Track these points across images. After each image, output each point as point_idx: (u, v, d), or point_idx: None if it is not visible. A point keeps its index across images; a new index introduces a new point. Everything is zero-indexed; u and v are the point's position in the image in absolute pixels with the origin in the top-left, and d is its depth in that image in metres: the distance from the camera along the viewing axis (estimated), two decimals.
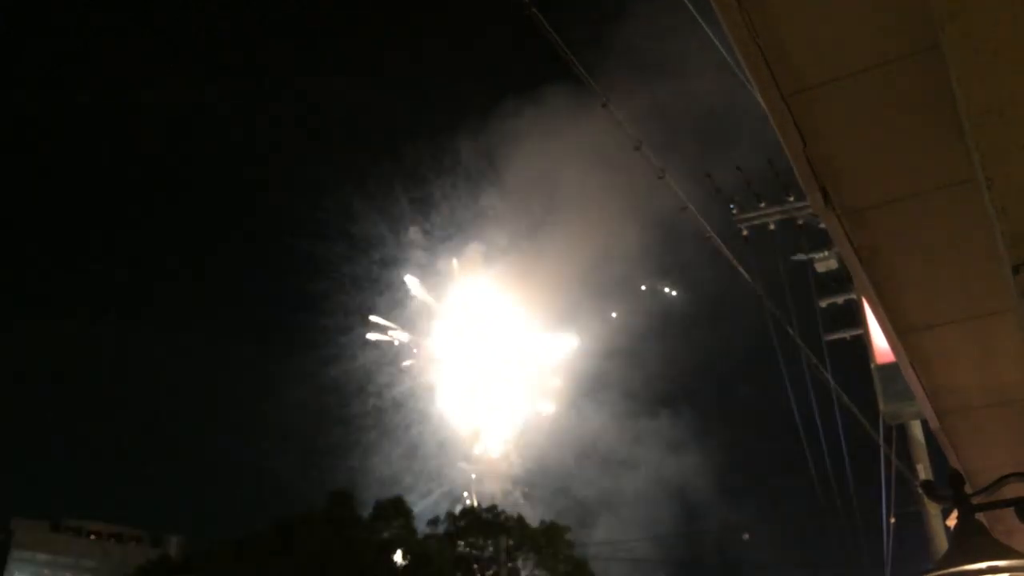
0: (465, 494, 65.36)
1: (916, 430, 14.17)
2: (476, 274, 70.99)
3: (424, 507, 55.80)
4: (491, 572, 34.07)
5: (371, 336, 69.25)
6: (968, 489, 3.87)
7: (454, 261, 71.34)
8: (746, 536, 38.55)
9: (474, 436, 69.87)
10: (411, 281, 70.68)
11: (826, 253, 16.69)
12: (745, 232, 16.84)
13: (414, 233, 72.07)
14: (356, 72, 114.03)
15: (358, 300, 71.08)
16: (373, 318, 69.27)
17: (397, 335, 69.91)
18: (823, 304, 16.76)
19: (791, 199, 16.64)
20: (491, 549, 34.61)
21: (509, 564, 33.67)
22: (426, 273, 71.67)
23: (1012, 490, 3.88)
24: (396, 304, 71.06)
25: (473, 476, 68.26)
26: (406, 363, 70.06)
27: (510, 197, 71.37)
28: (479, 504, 39.77)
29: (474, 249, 71.17)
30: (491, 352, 70.48)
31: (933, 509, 13.08)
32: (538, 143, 69.43)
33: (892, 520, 15.00)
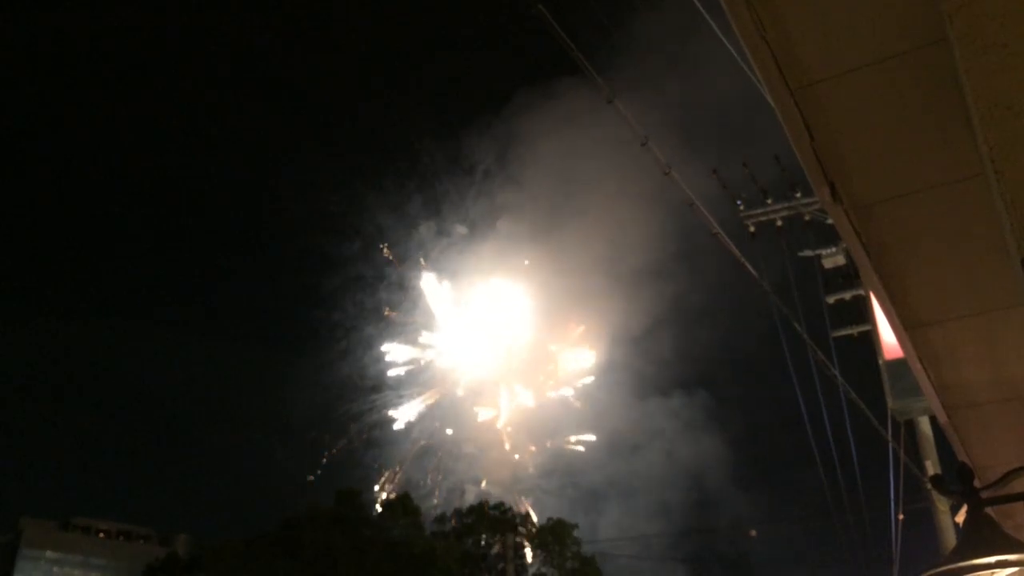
0: (468, 486, 65.43)
1: (925, 426, 14.15)
2: (491, 269, 70.72)
3: (433, 503, 55.94)
4: (499, 568, 34.09)
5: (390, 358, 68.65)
6: (977, 484, 3.87)
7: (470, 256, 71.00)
8: (753, 533, 38.50)
9: (489, 426, 69.84)
10: (427, 279, 70.32)
11: (833, 249, 16.67)
12: (752, 228, 16.81)
13: (426, 230, 71.85)
14: (368, 70, 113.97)
15: (370, 298, 71.03)
16: (385, 347, 68.86)
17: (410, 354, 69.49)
18: (831, 300, 16.74)
19: (798, 195, 16.62)
20: (498, 546, 34.65)
21: (516, 561, 33.69)
22: (438, 268, 71.48)
23: (1021, 484, 3.88)
24: (410, 302, 70.95)
25: (482, 472, 68.31)
26: (423, 355, 69.78)
27: (524, 192, 71.15)
28: (487, 499, 39.73)
29: (488, 244, 70.81)
30: (506, 346, 70.29)
31: (942, 505, 13.06)
32: (552, 137, 69.27)
33: (901, 516, 14.96)
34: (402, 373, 68.81)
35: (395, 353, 68.70)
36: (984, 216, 3.52)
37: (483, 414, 69.64)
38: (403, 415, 67.94)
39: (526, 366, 70.27)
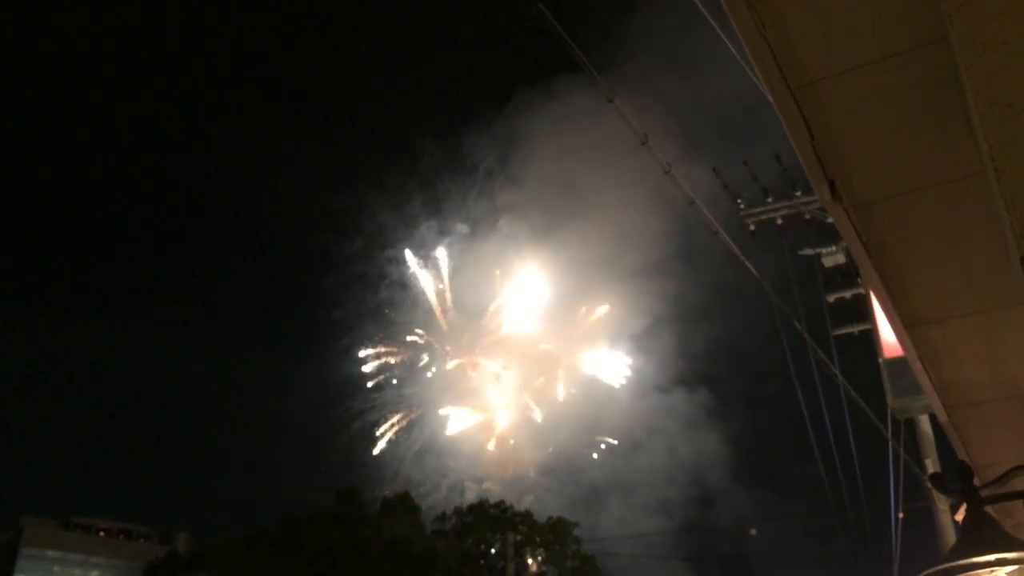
0: (468, 484, 65.40)
1: (925, 425, 14.15)
2: (491, 267, 70.56)
3: (433, 501, 55.89)
4: (499, 568, 34.10)
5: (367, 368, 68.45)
6: (977, 482, 3.87)
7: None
8: (753, 531, 38.56)
9: (488, 425, 69.77)
10: (410, 258, 70.19)
11: (833, 248, 16.67)
12: (752, 227, 16.80)
13: (427, 229, 71.72)
14: (368, 70, 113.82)
15: (372, 297, 70.95)
16: (363, 353, 68.74)
17: (393, 355, 69.31)
18: (831, 299, 16.74)
19: (799, 194, 16.62)
20: (499, 545, 34.65)
21: (516, 560, 33.70)
22: (438, 267, 71.34)
23: (1021, 482, 3.88)
24: (411, 301, 70.87)
25: (482, 471, 68.27)
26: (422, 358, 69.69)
27: (524, 191, 71.02)
28: (487, 497, 39.72)
29: (489, 242, 70.59)
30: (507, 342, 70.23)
31: (942, 504, 13.06)
32: (552, 136, 69.12)
33: (901, 515, 14.97)
34: (384, 377, 68.74)
35: (377, 357, 68.59)
36: (984, 215, 3.52)
37: (478, 417, 69.66)
38: (382, 437, 67.73)
39: (526, 366, 70.36)
